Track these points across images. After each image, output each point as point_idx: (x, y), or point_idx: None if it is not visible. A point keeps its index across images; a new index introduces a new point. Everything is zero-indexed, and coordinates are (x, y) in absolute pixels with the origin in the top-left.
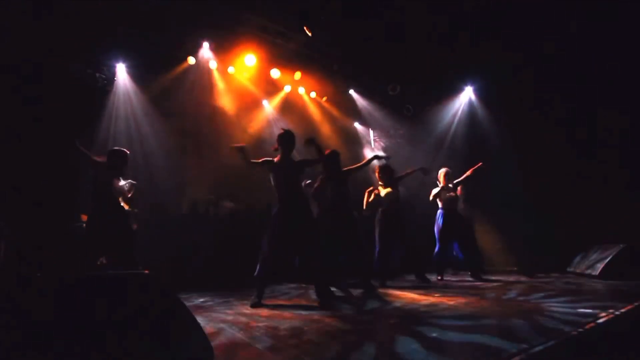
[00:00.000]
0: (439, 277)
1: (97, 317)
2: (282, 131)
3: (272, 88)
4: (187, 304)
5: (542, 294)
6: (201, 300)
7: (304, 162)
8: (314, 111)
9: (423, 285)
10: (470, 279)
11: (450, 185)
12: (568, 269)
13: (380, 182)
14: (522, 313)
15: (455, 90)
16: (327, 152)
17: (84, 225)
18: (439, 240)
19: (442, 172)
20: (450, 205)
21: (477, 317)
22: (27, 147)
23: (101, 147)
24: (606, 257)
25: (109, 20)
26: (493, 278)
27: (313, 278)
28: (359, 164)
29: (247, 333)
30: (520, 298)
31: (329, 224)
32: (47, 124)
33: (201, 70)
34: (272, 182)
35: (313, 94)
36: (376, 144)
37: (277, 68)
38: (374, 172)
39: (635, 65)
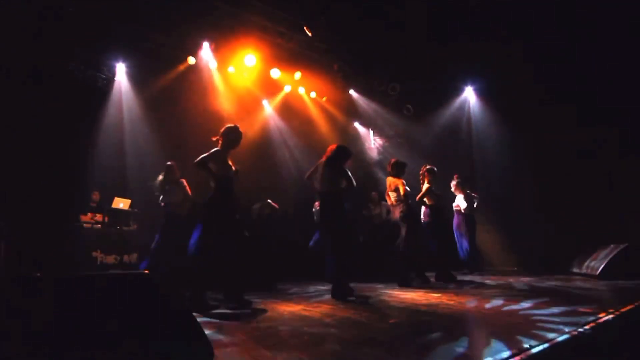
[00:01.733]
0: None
1: (97, 317)
2: (231, 125)
3: (272, 88)
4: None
5: (541, 294)
6: None
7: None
8: (314, 111)
9: (420, 285)
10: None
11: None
12: (568, 269)
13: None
14: (522, 313)
15: (456, 90)
16: (334, 146)
17: (84, 225)
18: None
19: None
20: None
21: (476, 318)
22: (27, 147)
23: (100, 147)
24: (606, 257)
25: (109, 20)
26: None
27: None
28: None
29: (247, 333)
30: (520, 298)
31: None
32: (47, 124)
33: (201, 70)
34: (218, 170)
35: (313, 94)
36: (376, 143)
37: (277, 68)
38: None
39: (635, 64)
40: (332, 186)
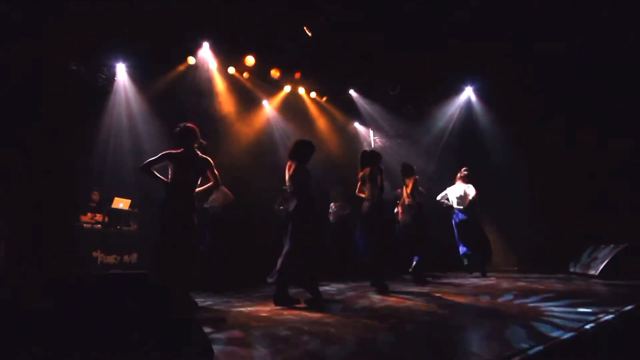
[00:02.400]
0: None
1: (96, 318)
2: (187, 125)
3: (272, 88)
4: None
5: (541, 294)
6: (201, 300)
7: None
8: (314, 111)
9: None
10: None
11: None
12: (568, 269)
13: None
14: (522, 313)
15: (455, 90)
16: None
17: (84, 225)
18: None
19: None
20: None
21: (476, 318)
22: (27, 147)
23: (101, 146)
24: (606, 257)
25: (109, 20)
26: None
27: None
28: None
29: (247, 333)
30: (520, 298)
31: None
32: (47, 124)
33: (201, 70)
34: (172, 173)
35: (313, 94)
36: (376, 143)
37: (277, 68)
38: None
39: (635, 63)
40: (293, 186)
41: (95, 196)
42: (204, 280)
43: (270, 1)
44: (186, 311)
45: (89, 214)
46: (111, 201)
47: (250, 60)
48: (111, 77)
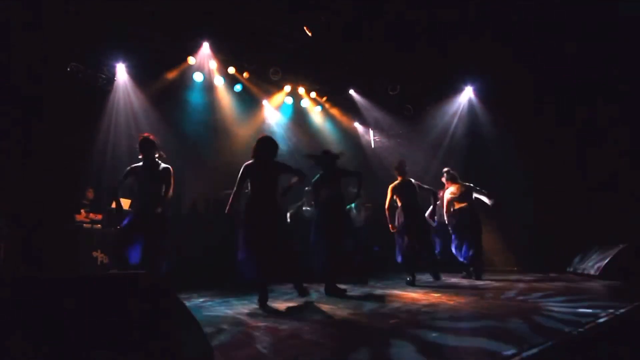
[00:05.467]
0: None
1: (96, 318)
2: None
3: (272, 88)
4: (187, 304)
5: (541, 294)
6: (201, 300)
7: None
8: (313, 111)
9: (420, 285)
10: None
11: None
12: (568, 269)
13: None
14: (522, 313)
15: (455, 90)
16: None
17: (83, 225)
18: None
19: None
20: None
21: (476, 318)
22: (27, 147)
23: (101, 147)
24: (606, 257)
25: (109, 20)
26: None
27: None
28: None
29: (247, 333)
30: (520, 298)
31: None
32: (47, 124)
33: (201, 70)
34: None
35: (313, 94)
36: (376, 143)
37: (277, 68)
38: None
39: (635, 65)
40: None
41: (90, 194)
42: (203, 280)
43: (270, 1)
44: (186, 311)
45: (82, 212)
46: (110, 200)
47: (250, 60)
48: (111, 77)
